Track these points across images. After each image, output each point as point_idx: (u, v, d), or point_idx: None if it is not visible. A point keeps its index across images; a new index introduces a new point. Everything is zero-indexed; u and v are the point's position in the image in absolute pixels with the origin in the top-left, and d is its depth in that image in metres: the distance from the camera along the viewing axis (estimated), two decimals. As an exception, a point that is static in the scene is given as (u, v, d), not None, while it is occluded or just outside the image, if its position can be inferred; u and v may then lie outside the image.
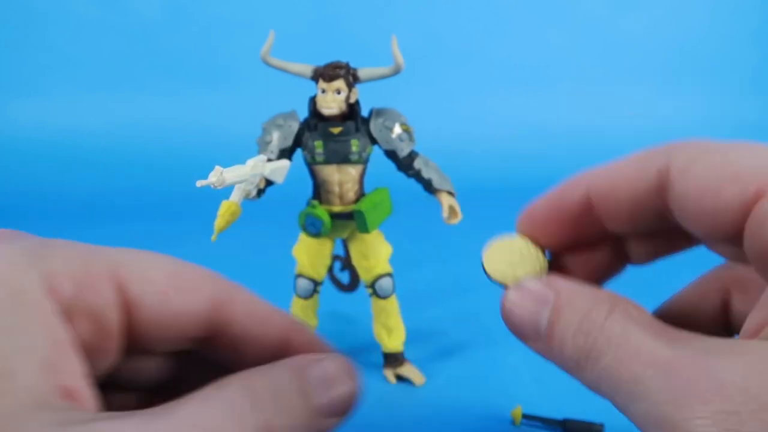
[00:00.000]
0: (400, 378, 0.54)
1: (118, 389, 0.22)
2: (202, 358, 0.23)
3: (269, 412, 0.18)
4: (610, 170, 0.22)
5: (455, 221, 0.50)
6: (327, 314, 0.62)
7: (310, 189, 0.51)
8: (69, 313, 0.18)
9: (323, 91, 0.48)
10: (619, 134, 1.40)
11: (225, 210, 0.42)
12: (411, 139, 0.50)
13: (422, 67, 1.07)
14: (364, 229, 0.50)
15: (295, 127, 0.50)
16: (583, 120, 1.43)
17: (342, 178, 0.50)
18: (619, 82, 1.48)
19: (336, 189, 0.50)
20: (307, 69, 0.48)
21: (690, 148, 0.20)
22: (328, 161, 0.49)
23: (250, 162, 0.43)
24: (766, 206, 0.18)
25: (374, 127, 0.50)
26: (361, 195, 0.51)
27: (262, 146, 0.50)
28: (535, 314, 0.20)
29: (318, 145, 0.49)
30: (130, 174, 1.28)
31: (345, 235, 0.53)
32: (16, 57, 1.41)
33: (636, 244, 0.24)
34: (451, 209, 0.50)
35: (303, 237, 0.52)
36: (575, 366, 0.19)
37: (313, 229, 0.50)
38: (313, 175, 0.51)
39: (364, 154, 0.50)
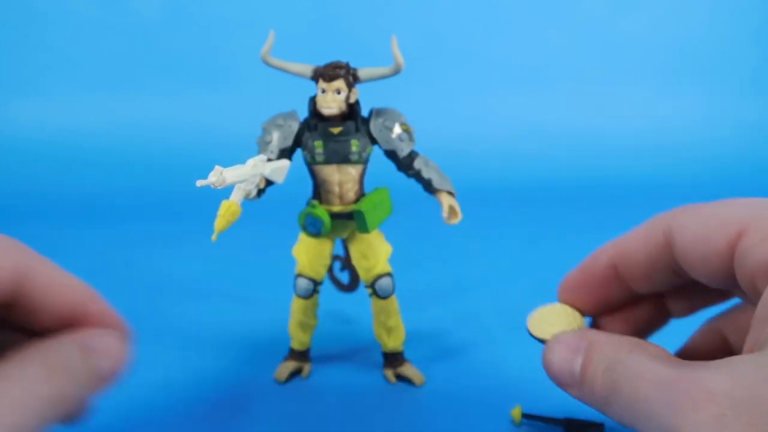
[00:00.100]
0: (400, 378, 0.54)
1: None
2: (3, 320, 0.26)
3: (63, 382, 0.23)
4: (627, 237, 0.26)
5: (455, 221, 0.50)
6: (327, 314, 0.62)
7: (310, 189, 0.51)
8: None
9: (323, 91, 0.48)
10: (619, 134, 1.40)
11: (225, 210, 0.42)
12: (411, 139, 0.50)
13: (422, 67, 1.07)
14: (364, 229, 0.50)
15: (295, 127, 0.50)
16: (583, 120, 1.43)
17: (342, 178, 0.50)
18: (619, 82, 1.48)
19: (336, 189, 0.50)
20: (307, 69, 0.48)
21: (687, 209, 0.24)
22: (328, 161, 0.49)
23: (250, 162, 0.43)
24: (747, 241, 0.21)
25: (374, 127, 0.50)
26: (361, 195, 0.51)
27: (262, 146, 0.50)
28: (570, 362, 0.23)
29: (318, 145, 0.49)
30: (130, 174, 1.28)
31: (345, 235, 0.53)
32: (16, 57, 1.41)
33: (673, 301, 0.28)
34: (451, 209, 0.50)
35: (303, 237, 0.52)
36: (604, 401, 0.22)
37: (313, 229, 0.50)
38: (313, 175, 0.51)
39: (364, 154, 0.50)
